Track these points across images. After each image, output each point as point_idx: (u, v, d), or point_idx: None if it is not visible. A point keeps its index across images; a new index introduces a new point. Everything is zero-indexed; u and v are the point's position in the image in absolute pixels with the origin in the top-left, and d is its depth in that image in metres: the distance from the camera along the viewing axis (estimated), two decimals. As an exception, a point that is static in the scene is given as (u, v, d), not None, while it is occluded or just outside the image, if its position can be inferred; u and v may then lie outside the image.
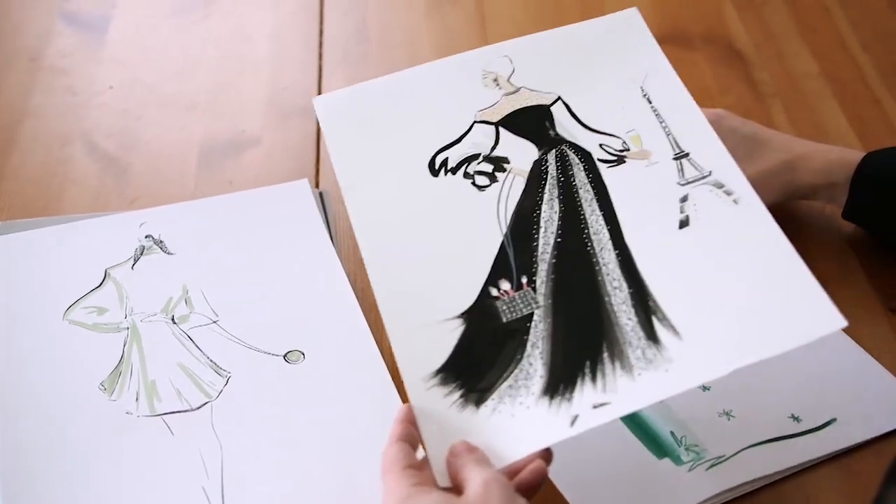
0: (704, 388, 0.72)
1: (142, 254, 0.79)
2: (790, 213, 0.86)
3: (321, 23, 1.05)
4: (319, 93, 0.97)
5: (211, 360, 0.73)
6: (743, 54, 1.02)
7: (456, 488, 0.56)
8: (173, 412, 0.70)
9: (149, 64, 0.99)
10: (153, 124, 0.94)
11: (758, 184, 0.79)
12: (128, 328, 0.74)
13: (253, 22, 1.05)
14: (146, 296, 0.76)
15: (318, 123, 0.94)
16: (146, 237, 0.80)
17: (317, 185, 0.88)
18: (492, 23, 1.06)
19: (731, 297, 0.61)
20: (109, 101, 0.95)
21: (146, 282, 0.77)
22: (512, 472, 0.59)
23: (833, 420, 0.71)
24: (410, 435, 0.59)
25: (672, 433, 0.69)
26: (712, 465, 0.68)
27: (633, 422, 0.70)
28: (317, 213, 0.82)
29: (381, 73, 1.01)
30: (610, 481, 0.67)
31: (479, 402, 0.60)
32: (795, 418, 0.71)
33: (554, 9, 1.08)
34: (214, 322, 0.75)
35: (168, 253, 0.79)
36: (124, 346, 0.73)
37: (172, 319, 0.75)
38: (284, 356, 0.73)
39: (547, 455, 0.60)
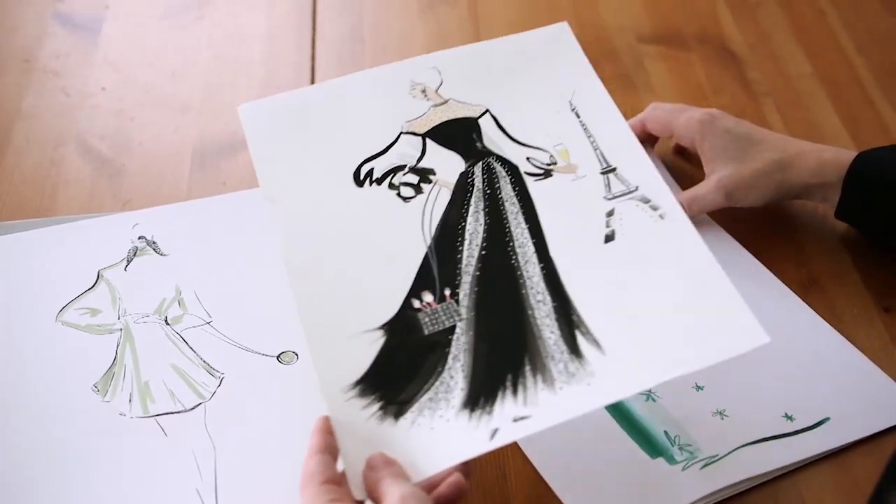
0: (698, 387, 0.72)
1: (135, 255, 0.79)
2: (784, 213, 0.86)
3: (314, 24, 1.05)
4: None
5: (204, 361, 0.73)
6: (737, 55, 1.02)
7: (373, 502, 0.55)
8: (166, 413, 0.70)
9: (142, 65, 0.99)
10: (147, 125, 0.94)
11: (751, 183, 0.79)
12: (121, 329, 0.74)
13: (246, 23, 1.05)
14: (139, 297, 0.76)
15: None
16: (139, 238, 0.80)
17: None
18: (485, 23, 1.05)
19: (655, 311, 0.61)
20: (103, 103, 0.95)
21: (139, 283, 0.77)
22: (430, 485, 0.58)
23: (826, 419, 0.71)
24: (330, 446, 0.58)
25: (666, 432, 0.69)
26: (706, 465, 0.68)
27: (627, 421, 0.70)
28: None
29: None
30: (604, 481, 0.67)
31: (398, 415, 0.59)
32: (789, 417, 0.71)
33: (547, 9, 1.08)
34: (207, 323, 0.75)
35: (161, 254, 0.79)
36: (117, 347, 0.73)
37: (165, 320, 0.75)
38: (278, 357, 0.73)
39: (465, 469, 0.59)
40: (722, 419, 0.70)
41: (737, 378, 0.73)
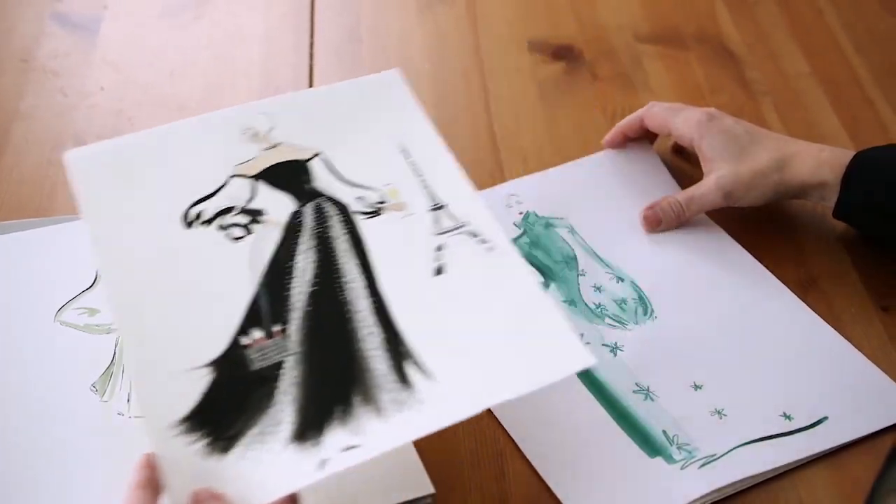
0: (696, 386, 0.72)
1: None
2: (782, 213, 0.86)
3: (312, 24, 1.05)
4: (312, 93, 0.97)
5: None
6: (735, 54, 1.02)
7: None
8: (165, 413, 0.70)
9: (141, 65, 0.99)
10: (145, 125, 0.92)
11: (749, 183, 0.79)
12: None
13: (244, 23, 1.05)
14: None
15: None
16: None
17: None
18: (483, 23, 1.06)
19: (482, 339, 0.63)
20: (101, 103, 0.95)
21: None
22: None
23: (825, 418, 0.71)
24: (152, 481, 0.57)
25: (664, 432, 0.69)
26: (704, 464, 0.67)
27: (625, 420, 0.70)
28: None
29: (373, 73, 1.01)
30: (602, 480, 0.67)
31: (225, 449, 0.59)
32: (787, 417, 0.71)
33: (545, 8, 1.08)
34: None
35: None
36: (115, 346, 0.73)
37: (164, 320, 0.75)
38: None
39: (293, 499, 0.59)
40: (720, 418, 0.70)
41: (735, 377, 0.73)
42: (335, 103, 0.76)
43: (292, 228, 0.69)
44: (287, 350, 0.63)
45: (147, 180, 0.70)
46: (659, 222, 0.82)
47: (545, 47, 1.02)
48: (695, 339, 0.75)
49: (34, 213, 0.84)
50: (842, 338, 0.76)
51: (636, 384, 0.72)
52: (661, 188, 0.86)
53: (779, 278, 0.80)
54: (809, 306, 0.78)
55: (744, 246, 0.82)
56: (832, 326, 0.77)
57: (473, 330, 0.63)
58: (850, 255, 0.83)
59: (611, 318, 0.77)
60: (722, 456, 0.68)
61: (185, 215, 0.69)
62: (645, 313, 0.77)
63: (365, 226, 0.69)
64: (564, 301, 0.78)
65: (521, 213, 0.84)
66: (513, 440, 0.69)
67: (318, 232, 0.69)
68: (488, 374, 0.61)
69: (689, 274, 0.80)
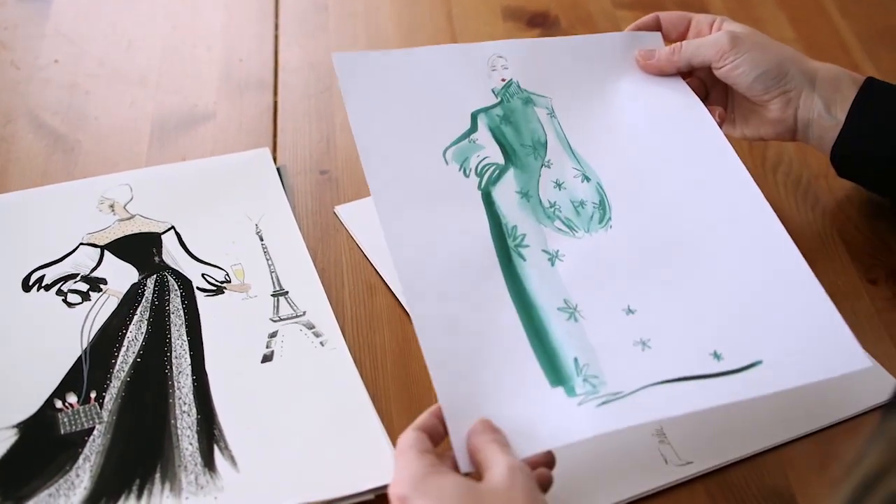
0: (630, 310, 0.65)
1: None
2: (770, 184, 0.84)
3: (277, -9, 1.01)
4: (276, 65, 0.93)
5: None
6: (718, 20, 0.99)
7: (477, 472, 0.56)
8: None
9: (96, 36, 0.97)
10: (102, 99, 0.91)
11: (762, 43, 0.75)
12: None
13: (205, -9, 1.01)
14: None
15: (275, 97, 0.90)
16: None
17: (274, 161, 0.84)
18: (455, -10, 1.02)
19: (298, 436, 0.65)
20: (55, 76, 0.92)
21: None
22: None
23: (758, 362, 0.62)
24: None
25: (576, 360, 0.62)
26: (605, 402, 0.60)
27: (539, 340, 0.63)
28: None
29: (339, 43, 0.98)
30: (494, 401, 0.60)
31: None
32: (716, 356, 0.63)
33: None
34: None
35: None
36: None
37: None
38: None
39: None
40: (643, 350, 0.63)
41: (672, 305, 0.65)
42: (198, 178, 0.80)
43: (131, 299, 0.72)
44: (98, 417, 0.65)
45: None
46: (652, 56, 0.77)
47: (520, 14, 1.00)
48: (643, 255, 0.68)
49: (-15, 192, 0.81)
50: (811, 275, 0.67)
51: (564, 301, 0.66)
52: (667, 85, 0.77)
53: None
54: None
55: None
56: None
57: (290, 425, 0.65)
58: (837, 227, 0.81)
59: (562, 220, 0.70)
60: (627, 395, 0.60)
61: (27, 279, 0.72)
62: (601, 221, 0.70)
63: (204, 304, 0.72)
64: (518, 192, 0.71)
65: (503, 80, 0.76)
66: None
67: (157, 305, 0.72)
68: (296, 474, 0.62)
69: (661, 180, 0.72)
